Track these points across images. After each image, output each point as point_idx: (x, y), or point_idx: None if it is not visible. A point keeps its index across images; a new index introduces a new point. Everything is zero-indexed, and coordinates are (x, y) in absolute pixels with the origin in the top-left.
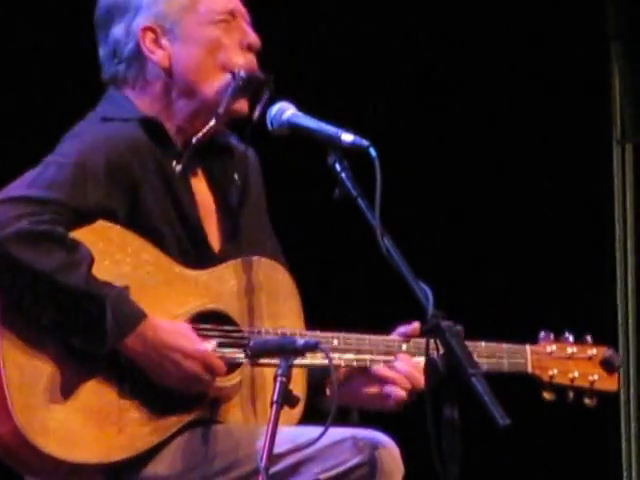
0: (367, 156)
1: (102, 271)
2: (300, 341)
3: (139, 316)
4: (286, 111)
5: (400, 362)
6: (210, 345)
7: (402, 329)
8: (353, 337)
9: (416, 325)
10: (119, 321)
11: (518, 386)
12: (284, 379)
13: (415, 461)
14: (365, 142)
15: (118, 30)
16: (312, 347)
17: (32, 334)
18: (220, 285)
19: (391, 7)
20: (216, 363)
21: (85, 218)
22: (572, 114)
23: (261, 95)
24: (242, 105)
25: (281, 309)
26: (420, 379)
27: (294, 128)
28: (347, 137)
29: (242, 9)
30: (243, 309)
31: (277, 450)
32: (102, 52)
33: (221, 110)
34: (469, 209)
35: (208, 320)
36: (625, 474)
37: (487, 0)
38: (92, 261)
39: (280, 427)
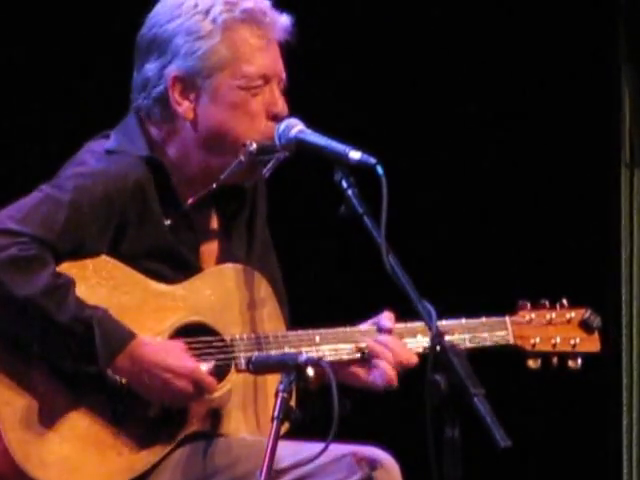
0: (374, 174)
1: (79, 297)
2: (302, 357)
3: (127, 336)
4: (294, 128)
5: (384, 336)
6: (205, 366)
7: (379, 324)
8: (336, 331)
9: (389, 316)
10: (108, 342)
11: (518, 391)
12: (285, 395)
13: (415, 478)
14: (372, 160)
15: (152, 68)
16: (314, 363)
17: (17, 369)
18: (196, 296)
19: (398, 18)
20: (207, 380)
21: (69, 255)
22: (581, 137)
23: (274, 158)
24: (246, 177)
25: (260, 313)
26: (403, 352)
27: (301, 145)
28: (354, 155)
29: (278, 71)
30: (223, 317)
31: (278, 466)
32: (135, 79)
33: (223, 177)
34: (475, 226)
35: (190, 333)
36: (625, 472)
37: (498, 23)
38: (74, 284)
39: (280, 442)
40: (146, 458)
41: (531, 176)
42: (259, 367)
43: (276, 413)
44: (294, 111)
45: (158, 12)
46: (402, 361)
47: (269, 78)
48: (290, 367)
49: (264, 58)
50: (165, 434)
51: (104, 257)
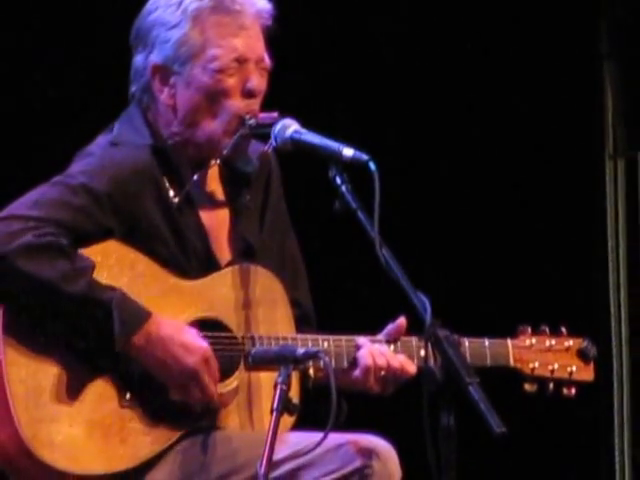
0: (366, 169)
1: (97, 280)
2: (300, 350)
3: (144, 315)
4: (289, 128)
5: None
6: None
7: (388, 329)
8: (343, 339)
9: (401, 322)
10: (125, 322)
11: (515, 394)
12: (284, 387)
13: (413, 466)
14: (365, 156)
15: (139, 58)
16: (312, 355)
17: (34, 349)
18: (214, 293)
19: (388, 18)
20: (213, 363)
21: (84, 238)
22: (565, 129)
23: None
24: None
25: (273, 315)
26: (387, 359)
27: (297, 144)
28: (348, 152)
29: (255, 54)
30: (237, 315)
31: (277, 456)
32: (131, 68)
33: (225, 152)
34: (463, 220)
35: (203, 327)
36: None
37: (482, 18)
38: (94, 268)
39: (279, 434)
40: (150, 447)
41: (516, 169)
42: (257, 360)
43: (275, 405)
44: (289, 110)
45: (145, 6)
46: (382, 365)
47: (244, 60)
48: (288, 360)
49: (235, 43)
50: (170, 425)
51: (127, 247)
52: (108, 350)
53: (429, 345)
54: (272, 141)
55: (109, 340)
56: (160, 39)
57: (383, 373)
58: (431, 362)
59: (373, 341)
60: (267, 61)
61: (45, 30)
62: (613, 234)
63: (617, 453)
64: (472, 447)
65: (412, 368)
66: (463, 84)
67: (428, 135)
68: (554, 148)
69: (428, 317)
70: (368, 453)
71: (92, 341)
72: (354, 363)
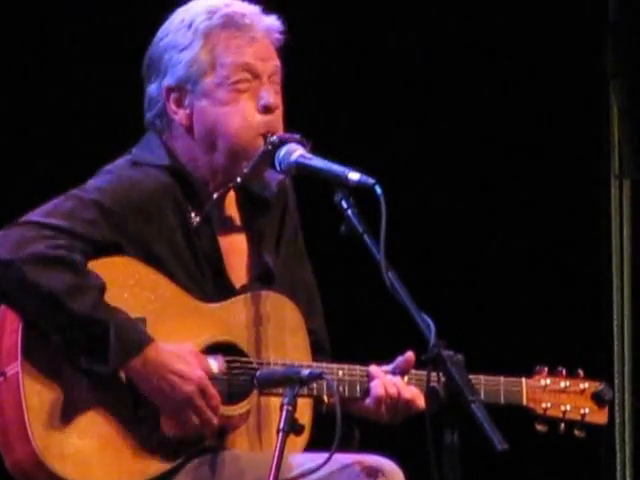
0: (373, 193)
1: (121, 303)
2: (305, 371)
3: (145, 340)
4: (294, 152)
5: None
6: (215, 363)
7: (397, 362)
8: (357, 368)
9: (409, 356)
10: (123, 345)
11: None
12: (290, 408)
13: None
14: (371, 180)
15: (153, 87)
16: (317, 377)
17: (49, 361)
18: (231, 318)
19: (388, 23)
20: (211, 391)
21: (98, 250)
22: (571, 149)
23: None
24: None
25: (289, 342)
26: (393, 386)
27: (302, 169)
28: (353, 176)
29: (267, 67)
30: (253, 341)
31: (284, 476)
32: (144, 97)
33: (247, 170)
34: (467, 244)
35: (219, 351)
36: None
37: (489, 32)
38: (103, 288)
39: (287, 454)
40: (159, 464)
41: (522, 185)
42: (264, 382)
43: (281, 425)
44: (297, 128)
45: (156, 34)
46: (393, 395)
47: (256, 73)
48: (294, 381)
49: (245, 54)
50: (181, 443)
51: (148, 268)
52: (101, 367)
53: (432, 364)
54: (277, 166)
55: (104, 360)
56: (172, 62)
57: (394, 403)
58: (433, 382)
59: (385, 372)
60: (279, 75)
61: (77, 53)
62: (618, 254)
63: (618, 454)
64: (475, 464)
65: (422, 402)
66: (468, 99)
67: (434, 162)
68: (559, 168)
69: (432, 337)
70: (374, 473)
71: (89, 358)
72: (367, 392)
